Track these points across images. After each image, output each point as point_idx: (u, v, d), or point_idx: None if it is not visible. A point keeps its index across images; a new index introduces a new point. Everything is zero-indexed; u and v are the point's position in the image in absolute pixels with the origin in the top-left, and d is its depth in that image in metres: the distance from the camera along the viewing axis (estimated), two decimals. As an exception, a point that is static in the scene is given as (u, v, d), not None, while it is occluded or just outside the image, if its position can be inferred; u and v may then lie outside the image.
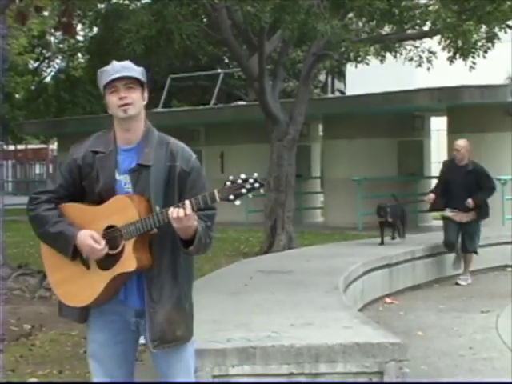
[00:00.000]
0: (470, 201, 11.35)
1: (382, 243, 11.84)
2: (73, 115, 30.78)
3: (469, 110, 18.80)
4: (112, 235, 3.83)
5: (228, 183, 3.70)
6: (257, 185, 3.70)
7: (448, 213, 11.60)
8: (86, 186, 3.92)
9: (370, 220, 17.91)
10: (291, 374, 5.30)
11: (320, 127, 24.43)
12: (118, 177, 3.89)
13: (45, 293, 10.29)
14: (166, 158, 3.90)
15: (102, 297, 3.87)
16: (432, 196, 11.65)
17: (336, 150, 21.38)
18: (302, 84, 15.03)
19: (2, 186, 12.19)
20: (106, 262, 3.84)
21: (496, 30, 12.97)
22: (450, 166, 11.94)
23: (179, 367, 3.99)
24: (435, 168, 24.31)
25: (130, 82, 3.86)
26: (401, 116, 20.84)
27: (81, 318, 4.01)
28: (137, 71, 3.90)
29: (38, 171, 62.49)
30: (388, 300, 10.50)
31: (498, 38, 13.03)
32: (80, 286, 3.90)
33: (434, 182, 22.71)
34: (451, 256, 12.18)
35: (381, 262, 10.47)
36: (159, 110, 25.20)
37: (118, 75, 3.84)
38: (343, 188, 20.28)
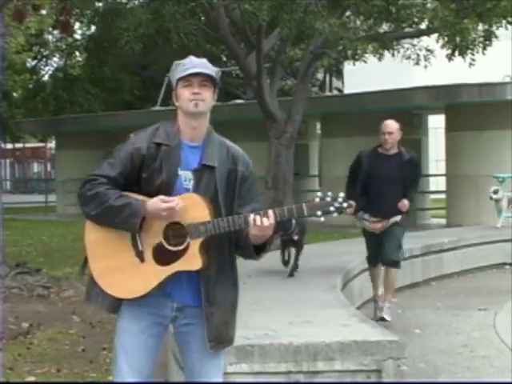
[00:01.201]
0: (405, 203, 8.47)
1: (285, 263, 9.43)
2: (71, 114, 30.76)
3: (467, 108, 18.81)
4: (176, 232, 3.78)
5: (317, 199, 3.76)
6: (345, 205, 3.77)
7: (364, 222, 8.96)
8: (145, 178, 3.84)
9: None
10: (289, 372, 5.30)
11: (318, 125, 24.45)
12: (179, 172, 3.85)
13: (43, 291, 10.30)
14: (228, 161, 3.92)
15: (152, 291, 3.80)
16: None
17: (334, 148, 21.38)
18: (300, 82, 15.03)
19: (0, 185, 12.18)
20: (165, 258, 3.78)
21: (494, 27, 12.97)
22: (371, 155, 8.94)
23: (213, 365, 3.99)
24: (433, 166, 24.35)
25: (205, 79, 3.86)
26: (399, 114, 20.73)
27: (113, 307, 3.90)
28: (213, 70, 3.91)
29: (36, 170, 62.52)
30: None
31: (496, 36, 13.03)
32: (131, 278, 3.81)
33: (433, 180, 22.88)
34: (449, 254, 12.20)
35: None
36: (157, 108, 25.22)
37: (195, 70, 3.83)
38: (341, 186, 20.19)
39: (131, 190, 3.84)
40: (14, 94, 34.59)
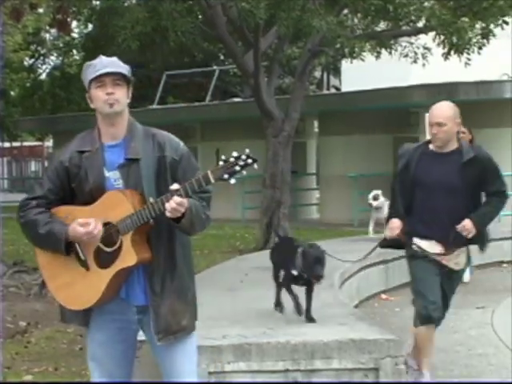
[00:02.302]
0: (467, 223, 5.81)
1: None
2: (68, 112, 30.73)
3: (464, 106, 18.77)
4: (108, 232, 3.81)
5: (221, 163, 3.69)
6: (250, 160, 3.68)
7: (424, 247, 5.91)
8: (76, 187, 3.89)
9: (366, 216, 17.93)
10: (287, 371, 5.31)
11: (315, 123, 24.43)
12: (107, 174, 3.87)
13: (42, 291, 10.29)
14: (154, 149, 3.89)
15: (104, 296, 3.84)
16: (397, 224, 5.93)
17: (331, 147, 21.38)
18: (298, 80, 15.02)
19: (-3, 184, 12.16)
20: (106, 260, 3.82)
21: (492, 26, 12.97)
22: (420, 155, 6.08)
23: (183, 361, 3.98)
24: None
25: (118, 78, 3.85)
26: (396, 112, 20.83)
27: (84, 320, 3.99)
28: (124, 68, 3.89)
29: (33, 168, 62.38)
30: (384, 296, 10.51)
31: (494, 35, 13.03)
32: (81, 289, 3.87)
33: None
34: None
35: (376, 259, 10.46)
36: (154, 106, 25.20)
37: (107, 70, 3.83)
38: (339, 184, 20.29)
39: (69, 202, 3.91)
40: (12, 93, 34.55)
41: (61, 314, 4.07)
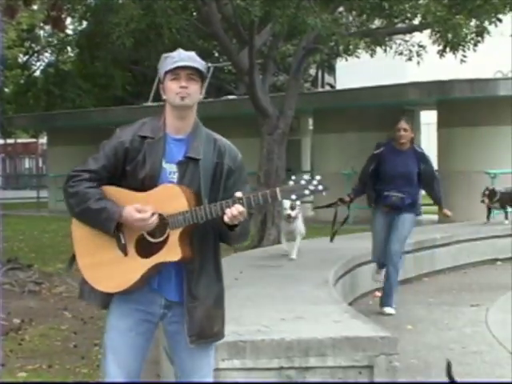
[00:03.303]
0: None
1: None
2: (62, 109, 30.69)
3: (459, 103, 18.83)
4: (158, 223, 3.77)
5: (291, 183, 3.71)
6: (320, 187, 3.75)
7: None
8: (130, 171, 3.83)
9: (361, 214, 17.92)
10: (281, 368, 5.30)
11: (310, 121, 24.44)
12: (164, 165, 3.84)
13: (34, 287, 10.28)
14: (214, 154, 3.89)
15: (136, 284, 3.80)
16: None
17: (326, 144, 21.39)
18: (292, 78, 15.03)
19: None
20: (147, 250, 3.78)
21: (486, 23, 12.99)
22: None
23: (204, 363, 3.98)
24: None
25: (193, 73, 3.83)
26: (391, 110, 20.83)
27: (103, 302, 3.92)
28: (201, 64, 3.88)
29: (27, 165, 62.41)
30: (378, 294, 10.49)
31: (488, 32, 13.05)
32: (115, 272, 3.81)
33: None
34: (442, 250, 12.21)
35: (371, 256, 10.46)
36: (149, 103, 25.19)
37: (183, 63, 3.81)
38: (334, 182, 20.24)
39: (117, 183, 3.84)
40: (6, 90, 34.50)
41: (80, 291, 3.99)
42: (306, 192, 3.71)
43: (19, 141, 58.04)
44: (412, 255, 11.50)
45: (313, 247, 11.05)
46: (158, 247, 3.77)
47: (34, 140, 55.60)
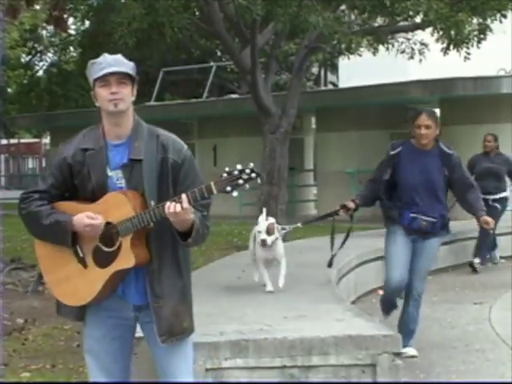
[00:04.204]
0: None
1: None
2: (65, 109, 30.70)
3: (461, 101, 18.81)
4: (109, 232, 3.82)
5: (224, 175, 3.69)
6: (253, 175, 3.68)
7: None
8: (78, 184, 3.89)
9: (364, 212, 17.91)
10: (284, 367, 5.30)
11: (313, 120, 24.43)
12: (109, 173, 3.86)
13: (38, 287, 10.28)
14: (158, 150, 3.88)
15: (100, 295, 3.86)
16: None
17: (329, 143, 21.37)
18: (295, 77, 15.00)
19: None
20: (104, 260, 3.83)
21: (489, 21, 12.97)
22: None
23: (179, 361, 3.99)
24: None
25: (122, 77, 3.84)
26: (393, 108, 20.84)
27: (78, 315, 4.02)
28: (129, 66, 3.88)
29: (30, 165, 62.39)
30: (381, 292, 10.46)
31: (490, 30, 13.03)
32: (78, 285, 3.89)
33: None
34: (445, 248, 12.19)
35: (374, 255, 10.47)
36: (152, 103, 25.17)
37: (111, 70, 3.81)
38: (336, 180, 20.29)
39: (69, 199, 3.92)
40: (9, 90, 34.52)
41: (57, 307, 4.10)
42: (240, 182, 3.67)
43: (22, 141, 58.01)
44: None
45: (314, 245, 11.05)
46: (113, 256, 3.82)
47: (37, 140, 55.59)
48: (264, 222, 7.29)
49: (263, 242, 7.19)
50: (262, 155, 14.58)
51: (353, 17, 14.96)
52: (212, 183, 3.69)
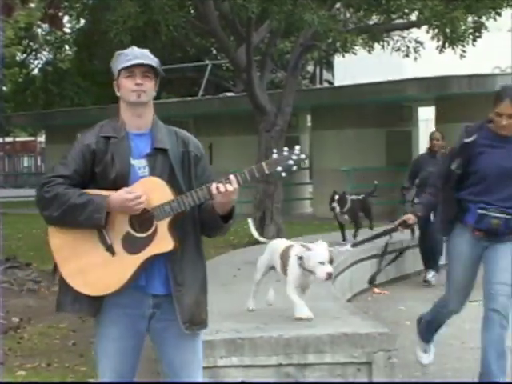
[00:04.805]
0: None
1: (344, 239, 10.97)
2: (61, 107, 30.68)
3: (457, 99, 18.83)
4: (141, 218, 3.78)
5: (275, 155, 3.75)
6: (303, 156, 3.77)
7: None
8: (99, 173, 3.84)
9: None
10: (280, 365, 5.31)
11: (308, 118, 24.44)
12: (132, 161, 3.86)
13: (33, 286, 10.28)
14: (178, 144, 3.93)
15: (129, 281, 3.79)
16: None
17: (324, 141, 21.38)
18: (290, 75, 15.01)
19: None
20: (136, 246, 3.78)
21: (484, 19, 12.98)
22: None
23: (193, 357, 3.98)
24: (423, 158, 24.33)
25: (148, 70, 3.87)
26: (389, 106, 20.85)
27: (92, 310, 3.88)
28: (155, 61, 3.91)
29: (26, 164, 62.38)
30: (377, 290, 10.52)
31: (486, 28, 13.04)
32: (105, 273, 3.79)
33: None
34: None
35: (370, 253, 10.48)
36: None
37: (138, 61, 3.84)
38: (332, 178, 20.28)
39: (88, 187, 3.84)
40: (4, 88, 34.49)
41: (58, 303, 3.92)
42: (291, 162, 3.75)
43: (18, 139, 58.02)
44: (411, 251, 11.51)
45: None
46: (146, 241, 3.77)
47: (32, 138, 55.61)
48: (323, 249, 5.78)
49: (329, 276, 5.74)
50: (257, 153, 14.58)
51: (348, 15, 14.97)
52: (263, 163, 3.74)
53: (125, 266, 3.78)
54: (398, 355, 5.49)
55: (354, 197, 11.47)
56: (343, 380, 5.35)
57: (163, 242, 3.77)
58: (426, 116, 23.47)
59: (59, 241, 3.88)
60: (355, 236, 11.02)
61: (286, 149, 3.76)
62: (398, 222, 6.16)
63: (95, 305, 3.86)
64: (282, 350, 5.30)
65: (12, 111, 32.88)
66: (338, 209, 11.11)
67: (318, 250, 5.74)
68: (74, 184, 3.83)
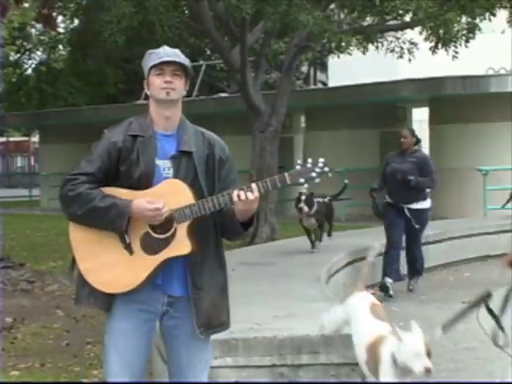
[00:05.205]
0: None
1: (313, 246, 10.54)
2: (54, 107, 30.63)
3: (451, 100, 18.86)
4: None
5: (298, 167, 3.75)
6: (326, 168, 3.76)
7: None
8: (124, 171, 3.83)
9: (353, 211, 17.94)
10: (274, 366, 5.30)
11: (302, 119, 24.45)
12: (157, 162, 3.85)
13: (26, 286, 10.26)
14: (204, 146, 3.92)
15: (145, 282, 3.79)
16: None
17: (318, 142, 21.40)
18: (284, 75, 15.03)
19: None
20: (153, 246, 3.78)
21: (477, 20, 13.01)
22: None
23: (201, 358, 3.98)
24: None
25: (178, 68, 3.87)
26: (383, 107, 20.87)
27: (106, 305, 3.87)
28: (185, 60, 3.91)
29: (19, 164, 62.23)
30: (371, 291, 10.51)
31: (479, 29, 13.07)
32: (121, 272, 3.80)
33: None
34: (433, 247, 12.22)
35: (363, 253, 10.47)
36: (141, 101, 25.13)
37: (169, 59, 3.85)
38: (325, 179, 20.28)
39: (111, 185, 3.83)
40: (-1, 89, 34.45)
41: (76, 296, 3.93)
42: (313, 174, 3.75)
43: (11, 139, 57.87)
44: (404, 252, 11.51)
45: (305, 245, 11.06)
46: (164, 243, 3.78)
47: (26, 138, 55.45)
48: (418, 340, 4.94)
49: (428, 371, 4.76)
50: (251, 154, 14.59)
51: (342, 16, 14.99)
52: (286, 174, 3.75)
53: (142, 266, 3.79)
54: (391, 356, 5.47)
55: (319, 199, 10.68)
56: (337, 380, 5.35)
57: (181, 244, 3.77)
58: (420, 117, 23.51)
59: (79, 236, 3.88)
60: (320, 240, 10.63)
61: (309, 160, 3.76)
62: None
63: (109, 300, 3.86)
64: (276, 351, 5.30)
65: (5, 111, 32.81)
66: (305, 209, 10.30)
67: (412, 341, 4.85)
68: (97, 181, 3.82)
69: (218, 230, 3.92)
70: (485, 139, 18.46)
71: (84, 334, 7.81)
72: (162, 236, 3.78)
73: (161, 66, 3.85)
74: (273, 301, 6.83)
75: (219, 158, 3.93)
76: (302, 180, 3.73)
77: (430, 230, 12.71)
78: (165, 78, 3.85)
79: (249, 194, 3.72)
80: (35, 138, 47.31)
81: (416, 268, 10.35)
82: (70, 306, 8.98)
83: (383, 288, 9.84)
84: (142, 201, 3.74)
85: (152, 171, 3.82)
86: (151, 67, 3.88)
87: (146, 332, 3.92)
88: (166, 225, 3.77)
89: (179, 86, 3.87)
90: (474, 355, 7.13)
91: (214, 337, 5.32)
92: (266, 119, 14.34)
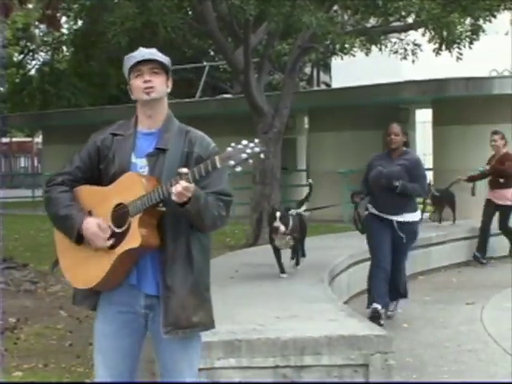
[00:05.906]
0: None
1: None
2: (57, 108, 30.65)
3: (454, 102, 18.84)
4: (120, 212, 3.82)
5: (229, 149, 3.68)
6: (257, 149, 3.67)
7: None
8: (103, 169, 3.93)
9: (352, 212, 17.89)
10: (277, 367, 5.31)
11: (306, 120, 24.44)
12: (134, 160, 3.90)
13: (30, 286, 10.27)
14: (184, 144, 3.93)
15: (108, 276, 3.82)
16: None
17: (322, 143, 21.39)
18: (288, 77, 15.02)
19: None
20: (116, 241, 3.82)
21: (481, 21, 13.00)
22: None
23: (184, 358, 3.96)
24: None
25: (155, 66, 3.90)
26: (386, 108, 20.85)
27: (91, 304, 4.01)
28: (162, 57, 3.95)
29: (22, 164, 62.32)
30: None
31: (483, 31, 13.07)
32: (88, 268, 3.88)
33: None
34: (437, 248, 12.23)
35: (366, 255, 10.46)
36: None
37: (143, 58, 3.89)
38: (329, 180, 20.30)
39: (96, 184, 3.95)
40: (1, 89, 34.46)
41: (73, 297, 4.10)
42: (244, 156, 3.62)
43: (14, 140, 57.92)
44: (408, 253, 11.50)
45: (308, 246, 11.05)
46: (122, 236, 3.82)
47: (29, 139, 55.49)
48: None
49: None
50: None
51: (346, 17, 14.98)
52: (216, 157, 3.68)
53: (106, 260, 3.84)
54: (394, 357, 5.49)
55: (292, 211, 8.75)
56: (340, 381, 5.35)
57: (133, 237, 3.78)
58: (424, 118, 23.49)
59: (58, 236, 4.03)
60: (297, 263, 8.89)
61: (243, 142, 3.66)
62: None
63: (94, 299, 3.98)
64: (279, 352, 5.30)
65: (9, 112, 32.84)
66: (282, 228, 8.33)
67: None
68: (75, 180, 3.96)
69: (190, 229, 3.89)
70: (488, 141, 18.43)
71: (87, 335, 7.79)
72: (120, 230, 3.83)
73: (138, 67, 3.89)
74: (276, 302, 6.84)
75: (197, 156, 3.90)
76: (232, 162, 3.62)
77: (434, 232, 12.73)
78: (143, 77, 3.88)
79: (178, 185, 3.67)
80: (38, 139, 47.37)
81: (398, 290, 8.84)
82: (73, 306, 8.93)
83: (373, 317, 8.04)
84: (92, 222, 3.83)
85: (127, 169, 3.88)
86: (130, 70, 3.92)
87: (129, 334, 3.95)
88: (125, 218, 3.82)
89: (159, 83, 3.90)
90: (476, 357, 7.13)
91: (217, 338, 5.35)
92: (269, 120, 14.33)
